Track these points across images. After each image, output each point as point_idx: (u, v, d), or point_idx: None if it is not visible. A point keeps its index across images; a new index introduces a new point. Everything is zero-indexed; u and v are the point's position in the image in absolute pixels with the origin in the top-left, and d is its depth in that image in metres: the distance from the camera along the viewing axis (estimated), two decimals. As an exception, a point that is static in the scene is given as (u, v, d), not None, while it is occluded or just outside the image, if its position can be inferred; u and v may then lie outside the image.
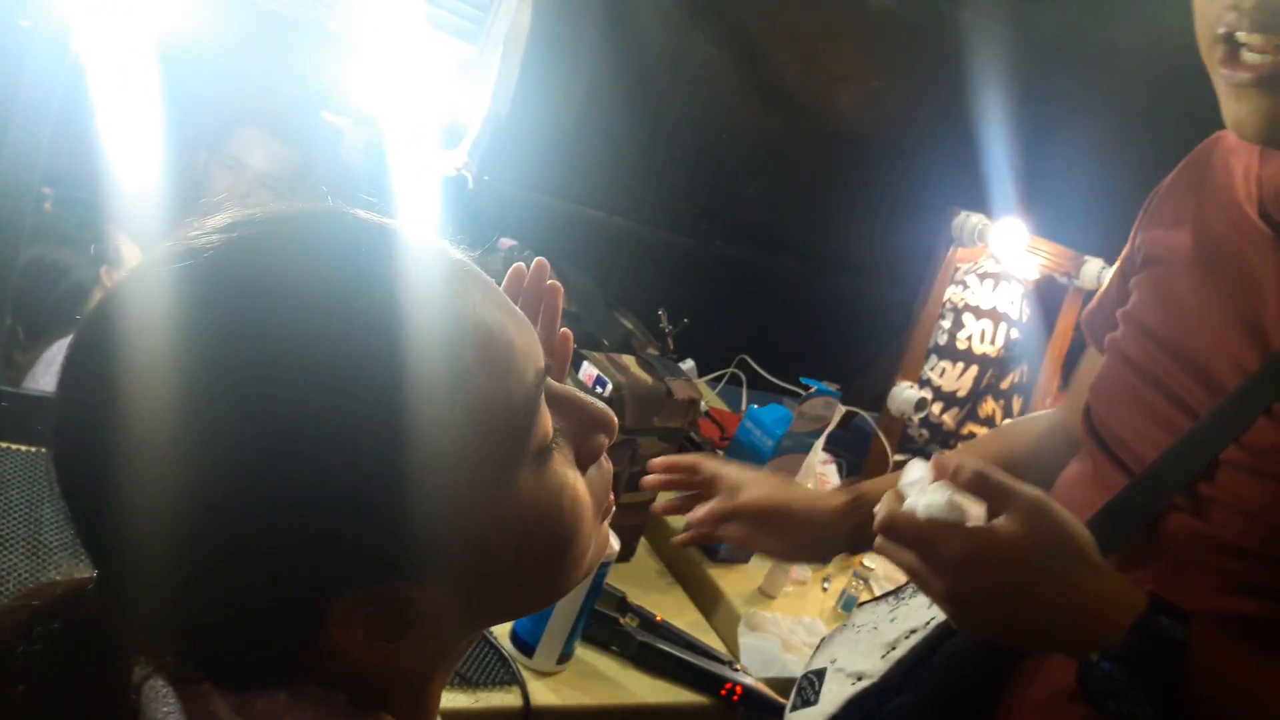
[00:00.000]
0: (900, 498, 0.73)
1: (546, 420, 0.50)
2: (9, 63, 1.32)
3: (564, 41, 2.02)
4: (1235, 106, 0.70)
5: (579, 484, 0.52)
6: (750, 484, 0.98)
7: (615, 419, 0.56)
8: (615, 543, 1.03)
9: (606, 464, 0.57)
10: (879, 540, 0.74)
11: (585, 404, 0.55)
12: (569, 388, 0.55)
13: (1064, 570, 0.69)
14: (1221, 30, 0.67)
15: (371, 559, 0.42)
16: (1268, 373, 0.71)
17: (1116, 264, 0.98)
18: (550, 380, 0.52)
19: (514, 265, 0.76)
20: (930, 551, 0.70)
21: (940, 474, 0.72)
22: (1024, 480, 0.75)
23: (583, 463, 0.54)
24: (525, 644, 1.07)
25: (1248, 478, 0.72)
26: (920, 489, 0.72)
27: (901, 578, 1.04)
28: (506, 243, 1.96)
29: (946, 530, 0.70)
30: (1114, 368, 0.89)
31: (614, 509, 0.59)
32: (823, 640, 1.01)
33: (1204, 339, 0.77)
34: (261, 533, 0.40)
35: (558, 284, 0.76)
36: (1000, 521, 0.70)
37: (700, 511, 0.97)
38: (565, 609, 1.03)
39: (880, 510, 0.74)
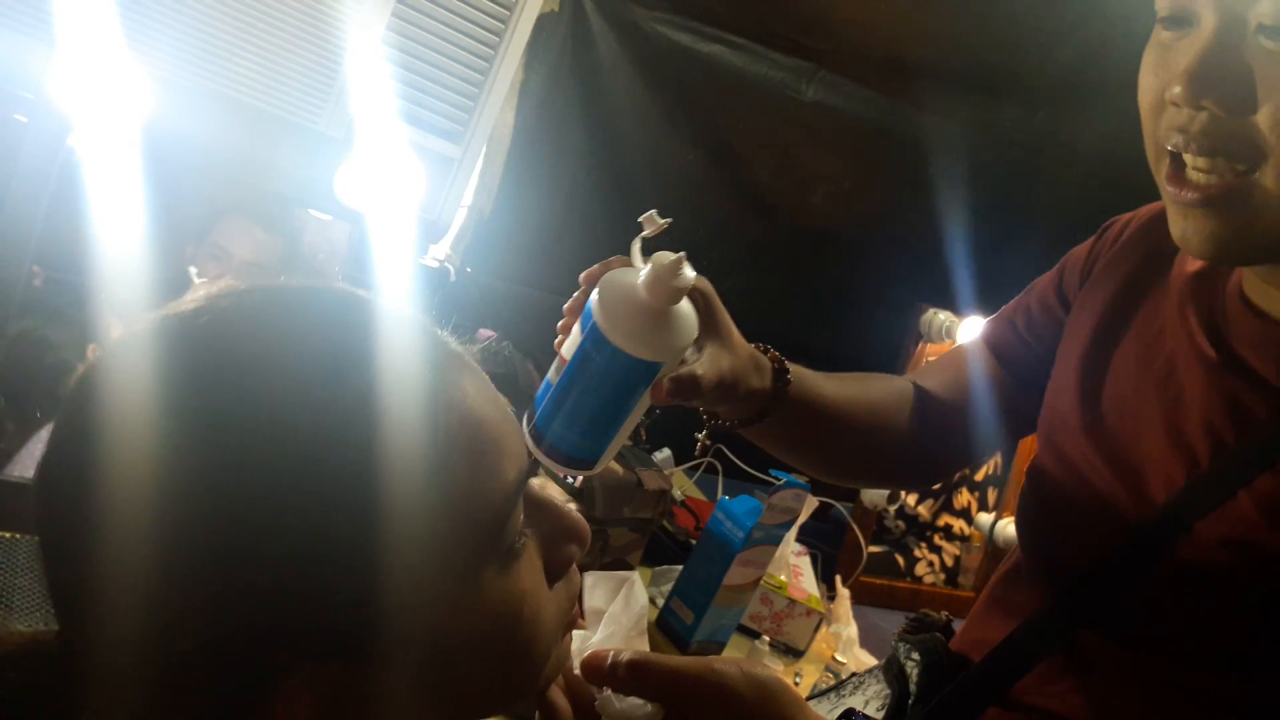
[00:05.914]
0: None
1: (518, 520, 0.49)
2: (5, 155, 1.37)
3: (547, 141, 2.09)
4: (1181, 224, 0.68)
5: (541, 596, 0.51)
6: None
7: (589, 532, 0.55)
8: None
9: (576, 577, 0.56)
10: None
11: (561, 513, 0.54)
12: (548, 494, 0.54)
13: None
14: (1169, 148, 0.67)
15: (327, 637, 0.41)
16: (1190, 490, 0.70)
17: (1048, 279, 0.94)
18: (531, 482, 0.51)
19: None
20: None
21: (593, 677, 0.56)
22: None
23: (551, 573, 0.52)
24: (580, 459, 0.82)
25: (1171, 594, 0.70)
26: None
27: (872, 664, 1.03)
28: (485, 334, 1.99)
29: None
30: (1048, 462, 0.84)
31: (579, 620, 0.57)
32: None
33: (1138, 447, 0.75)
34: (225, 602, 0.40)
35: None
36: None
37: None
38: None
39: None
